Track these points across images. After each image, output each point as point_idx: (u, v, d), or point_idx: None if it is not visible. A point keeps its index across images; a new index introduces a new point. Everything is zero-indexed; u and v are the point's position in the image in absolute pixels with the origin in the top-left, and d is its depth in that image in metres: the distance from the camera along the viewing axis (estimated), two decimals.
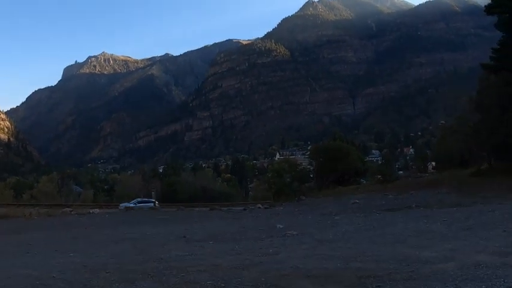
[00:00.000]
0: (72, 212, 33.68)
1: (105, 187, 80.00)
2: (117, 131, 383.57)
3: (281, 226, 17.87)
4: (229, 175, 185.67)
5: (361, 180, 46.31)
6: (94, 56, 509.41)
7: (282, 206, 33.77)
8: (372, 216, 19.20)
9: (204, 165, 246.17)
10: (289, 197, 38.96)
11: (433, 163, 57.24)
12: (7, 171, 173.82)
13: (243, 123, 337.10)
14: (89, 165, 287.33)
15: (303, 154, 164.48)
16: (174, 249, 12.81)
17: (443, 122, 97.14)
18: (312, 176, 43.48)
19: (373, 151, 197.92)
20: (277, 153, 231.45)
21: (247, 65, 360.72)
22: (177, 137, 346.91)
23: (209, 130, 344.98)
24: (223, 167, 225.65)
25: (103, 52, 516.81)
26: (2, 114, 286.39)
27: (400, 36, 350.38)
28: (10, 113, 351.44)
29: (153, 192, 51.17)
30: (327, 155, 41.37)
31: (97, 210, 35.77)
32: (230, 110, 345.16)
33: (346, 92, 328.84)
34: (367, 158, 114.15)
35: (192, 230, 18.51)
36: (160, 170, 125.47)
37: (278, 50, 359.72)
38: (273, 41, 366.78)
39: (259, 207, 35.41)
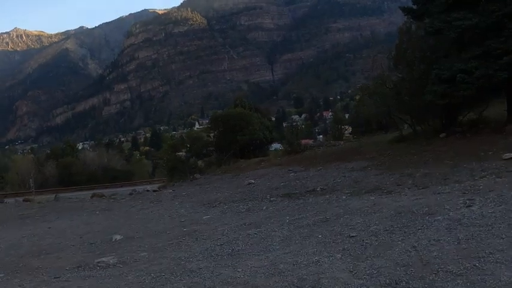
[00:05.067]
0: None
1: None
2: (34, 110, 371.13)
3: (119, 237, 12.79)
4: (147, 148, 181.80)
5: (277, 148, 41.67)
6: (6, 33, 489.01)
7: (173, 188, 28.88)
8: (254, 215, 13.40)
9: (123, 139, 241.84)
10: (184, 176, 33.50)
11: (347, 127, 53.18)
12: None
13: (161, 94, 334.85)
14: (7, 147, 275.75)
15: None
16: None
17: (359, 85, 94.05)
18: (212, 149, 37.80)
19: (293, 116, 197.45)
20: (197, 123, 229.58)
21: (163, 34, 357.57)
22: (95, 112, 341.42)
23: (127, 103, 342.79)
24: (142, 140, 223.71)
25: (15, 28, 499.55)
26: None
27: (317, 2, 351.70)
28: None
29: (30, 180, 44.15)
30: (227, 125, 35.77)
31: None
32: (148, 81, 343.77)
33: (264, 59, 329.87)
34: (287, 124, 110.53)
35: (14, 243, 14.01)
36: (80, 147, 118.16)
37: (194, 19, 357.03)
38: (189, 9, 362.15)
39: (148, 190, 30.31)
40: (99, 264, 9.75)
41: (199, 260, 8.79)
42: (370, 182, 15.49)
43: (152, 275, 8.21)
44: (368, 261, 7.01)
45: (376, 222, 9.43)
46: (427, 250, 7.05)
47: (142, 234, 12.96)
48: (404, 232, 8.29)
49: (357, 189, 14.61)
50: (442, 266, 6.24)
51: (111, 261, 9.94)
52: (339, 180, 17.33)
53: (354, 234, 8.72)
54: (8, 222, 19.44)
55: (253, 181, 22.50)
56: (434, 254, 6.81)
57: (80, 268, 9.63)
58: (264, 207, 14.46)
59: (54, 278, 9.10)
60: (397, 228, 8.65)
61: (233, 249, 9.30)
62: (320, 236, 9.10)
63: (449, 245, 7.20)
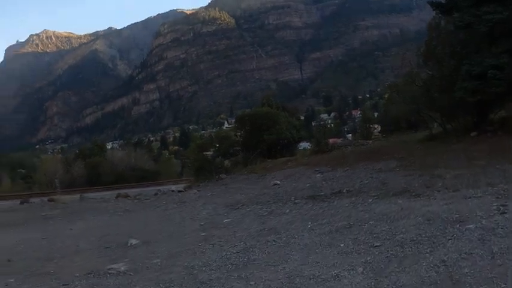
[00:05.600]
0: None
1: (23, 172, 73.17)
2: (64, 110, 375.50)
3: (135, 242, 12.49)
4: (176, 147, 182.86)
5: (305, 147, 41.03)
6: (36, 34, 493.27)
7: (199, 188, 28.25)
8: (276, 219, 12.93)
9: (152, 138, 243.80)
10: (210, 175, 32.88)
11: (376, 126, 52.31)
12: None
13: (190, 93, 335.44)
14: (37, 146, 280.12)
15: None
16: None
17: (388, 83, 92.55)
18: (239, 148, 37.27)
19: (322, 115, 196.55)
20: (226, 122, 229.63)
21: (191, 34, 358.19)
22: (124, 112, 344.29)
23: (156, 103, 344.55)
24: (171, 139, 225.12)
25: (45, 29, 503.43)
26: None
27: (345, 0, 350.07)
28: None
29: (56, 180, 44.53)
30: (254, 124, 35.27)
31: None
32: (176, 81, 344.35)
33: (292, 58, 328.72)
34: (316, 123, 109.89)
35: (33, 244, 13.92)
36: (109, 146, 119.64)
37: (222, 18, 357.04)
38: (217, 9, 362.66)
39: (173, 191, 29.81)
40: (110, 272, 9.56)
41: (212, 270, 8.41)
42: (398, 184, 14.75)
43: (161, 285, 7.94)
44: (392, 276, 6.43)
45: (403, 230, 8.79)
46: (458, 266, 6.46)
47: (159, 239, 12.72)
48: (433, 243, 7.66)
49: (384, 192, 13.90)
50: (475, 287, 5.64)
51: (122, 268, 9.81)
52: (366, 182, 16.63)
53: (378, 244, 8.12)
54: (31, 223, 19.48)
55: (278, 182, 21.93)
56: (466, 270, 6.21)
57: (89, 275, 9.49)
58: (287, 211, 13.93)
59: (63, 285, 9.02)
60: (425, 237, 8.02)
61: (249, 258, 8.82)
62: (342, 245, 8.53)
63: (482, 259, 6.56)
